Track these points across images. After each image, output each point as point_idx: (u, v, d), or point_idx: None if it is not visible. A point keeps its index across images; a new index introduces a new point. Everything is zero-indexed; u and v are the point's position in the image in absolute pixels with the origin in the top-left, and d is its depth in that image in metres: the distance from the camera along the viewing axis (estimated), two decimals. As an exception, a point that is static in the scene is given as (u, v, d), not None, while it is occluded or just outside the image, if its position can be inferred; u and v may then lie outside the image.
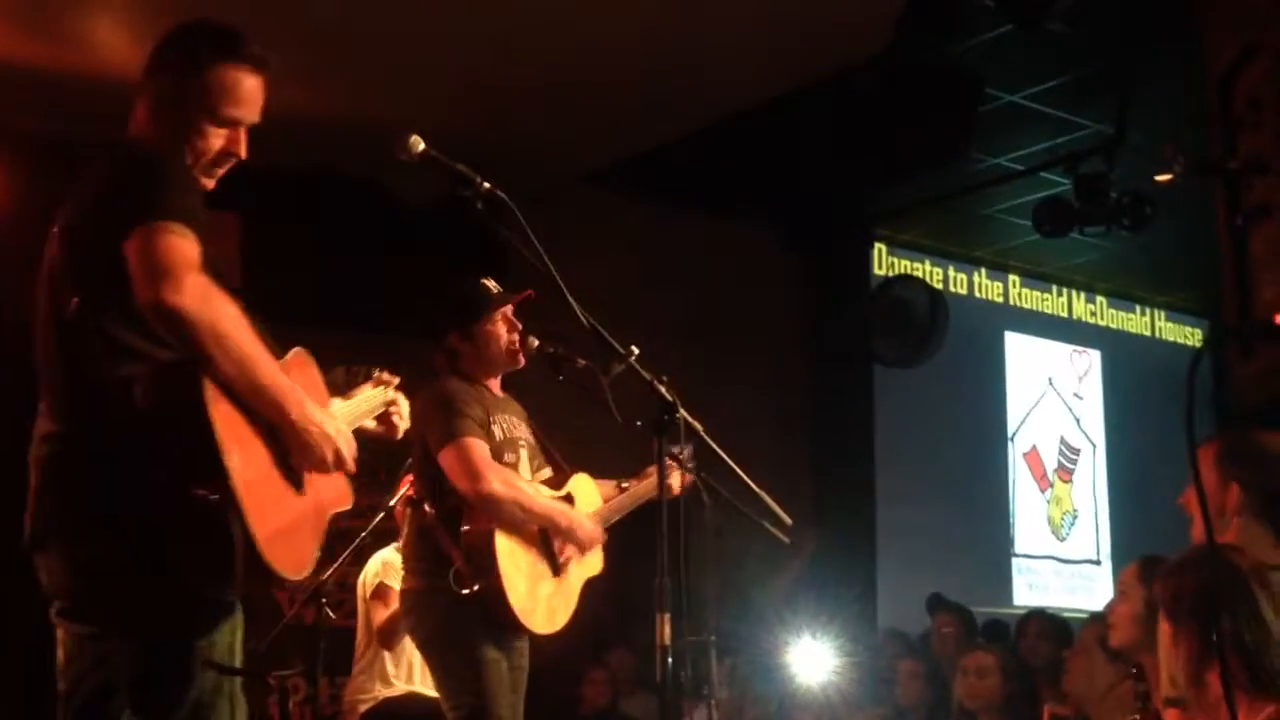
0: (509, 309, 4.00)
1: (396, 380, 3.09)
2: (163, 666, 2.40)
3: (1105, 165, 7.18)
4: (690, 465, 3.95)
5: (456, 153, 2.77)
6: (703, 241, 8.24)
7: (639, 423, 2.96)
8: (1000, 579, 9.78)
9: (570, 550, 3.99)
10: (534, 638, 3.96)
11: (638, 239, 7.90)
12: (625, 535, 4.22)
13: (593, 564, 4.14)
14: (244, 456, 2.35)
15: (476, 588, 3.71)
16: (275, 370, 2.45)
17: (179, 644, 2.41)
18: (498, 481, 3.77)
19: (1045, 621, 6.29)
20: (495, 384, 4.08)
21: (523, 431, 4.08)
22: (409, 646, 4.85)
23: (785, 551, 3.86)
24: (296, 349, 2.66)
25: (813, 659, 6.16)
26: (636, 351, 2.92)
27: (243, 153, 2.65)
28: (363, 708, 5.16)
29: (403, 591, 4.08)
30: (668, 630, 2.72)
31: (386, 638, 5.04)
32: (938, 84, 6.94)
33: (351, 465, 2.58)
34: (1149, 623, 3.41)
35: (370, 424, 3.01)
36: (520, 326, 4.00)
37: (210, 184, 2.65)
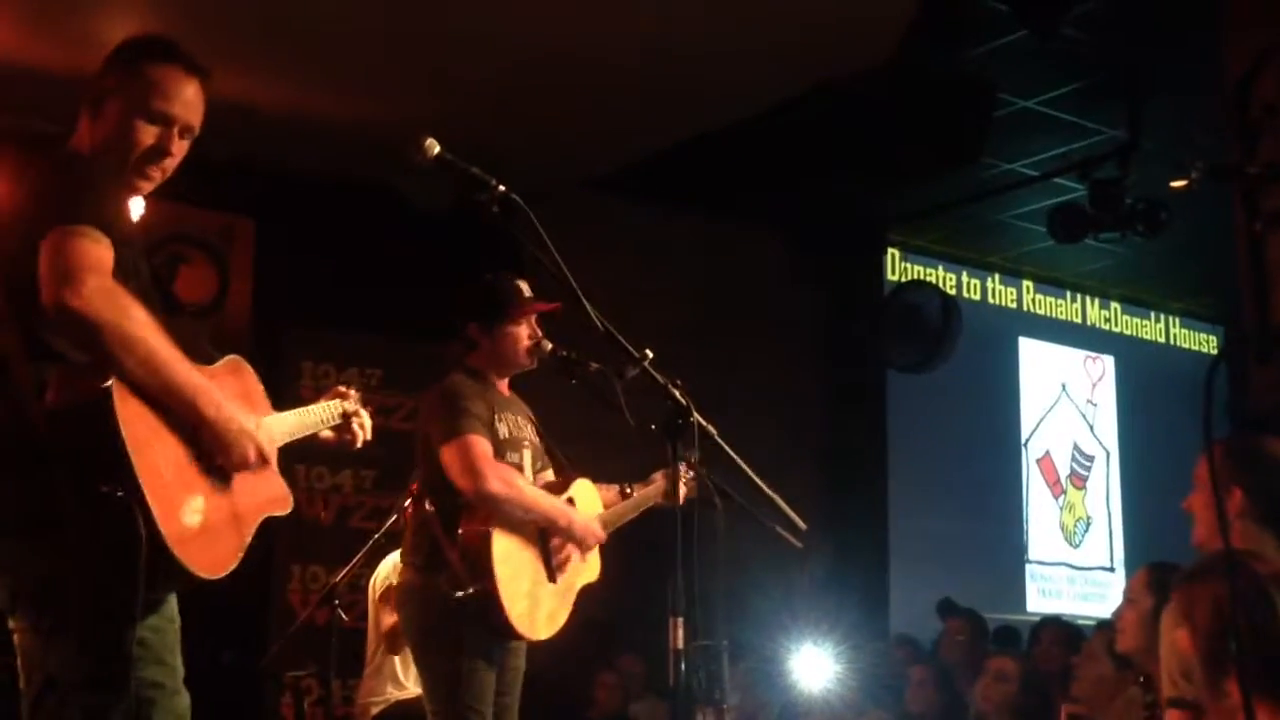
0: (533, 316, 4.00)
1: (356, 394, 3.11)
2: (95, 663, 2.41)
3: (1119, 171, 7.16)
4: (699, 470, 3.93)
5: (459, 156, 2.76)
6: (713, 246, 8.24)
7: (653, 426, 2.94)
8: (1013, 585, 9.76)
9: (569, 551, 3.95)
10: (529, 643, 3.93)
11: (647, 243, 7.90)
12: (636, 539, 4.20)
13: (590, 569, 4.11)
14: (154, 455, 2.37)
15: (471, 591, 3.67)
16: (188, 370, 2.46)
17: (107, 641, 2.41)
18: (497, 480, 3.74)
19: (1059, 628, 6.26)
20: (504, 383, 4.06)
21: (528, 432, 4.06)
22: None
23: (800, 557, 3.84)
24: (230, 356, 2.70)
25: (818, 664, 6.13)
26: (651, 355, 2.91)
27: (175, 152, 2.67)
28: (374, 709, 5.16)
29: (398, 585, 4.00)
30: (681, 634, 2.70)
31: (393, 642, 5.03)
32: (951, 89, 6.93)
33: (271, 461, 2.63)
34: (1155, 628, 3.39)
35: (327, 433, 3.02)
36: (541, 333, 3.99)
37: (146, 186, 2.69)
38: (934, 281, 9.34)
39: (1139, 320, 10.92)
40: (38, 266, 2.37)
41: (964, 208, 8.52)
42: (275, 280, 7.12)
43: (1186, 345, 11.15)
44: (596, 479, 4.21)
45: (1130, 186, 7.19)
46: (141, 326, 2.39)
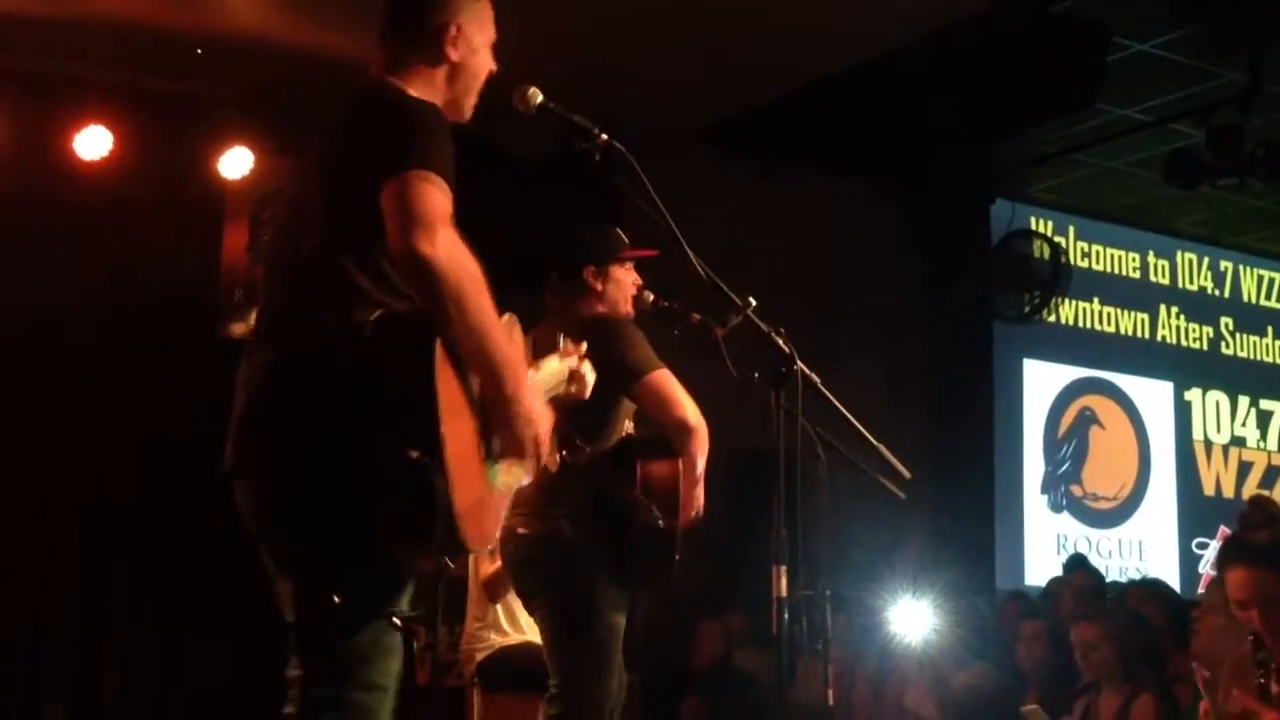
0: (633, 263, 3.98)
1: (582, 349, 3.02)
2: (326, 610, 2.38)
3: (1239, 116, 6.95)
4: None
5: (569, 106, 2.76)
6: (817, 198, 8.14)
7: (755, 375, 2.93)
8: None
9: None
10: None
11: (750, 196, 7.83)
12: (741, 492, 4.19)
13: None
14: (455, 423, 2.31)
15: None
16: (504, 342, 2.40)
17: (348, 593, 2.37)
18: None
19: (1145, 589, 6.18)
20: None
21: None
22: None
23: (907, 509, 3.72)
24: (507, 315, 2.53)
25: (919, 615, 6.07)
26: (754, 303, 2.89)
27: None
28: (479, 656, 5.23)
29: (528, 535, 3.70)
30: (784, 582, 2.69)
31: (492, 591, 5.05)
32: (1063, 33, 6.76)
33: (545, 453, 2.53)
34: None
35: (561, 391, 2.96)
36: (640, 281, 3.98)
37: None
38: (1043, 231, 9.15)
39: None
40: (366, 207, 2.32)
41: (1075, 155, 8.32)
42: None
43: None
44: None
45: (1250, 132, 6.98)
46: (477, 287, 2.34)
